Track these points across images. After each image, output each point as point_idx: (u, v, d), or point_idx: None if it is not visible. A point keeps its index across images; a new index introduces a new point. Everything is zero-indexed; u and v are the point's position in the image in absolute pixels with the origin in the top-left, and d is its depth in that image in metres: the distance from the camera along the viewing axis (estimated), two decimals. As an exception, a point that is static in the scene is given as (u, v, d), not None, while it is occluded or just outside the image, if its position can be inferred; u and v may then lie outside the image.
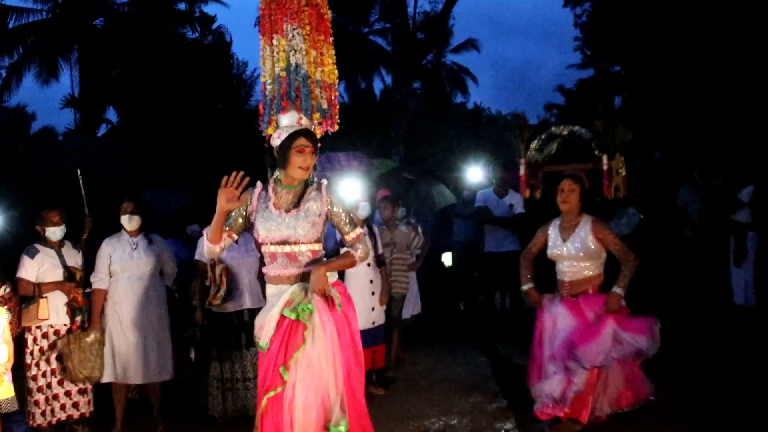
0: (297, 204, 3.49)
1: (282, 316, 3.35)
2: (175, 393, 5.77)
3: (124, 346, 5.19)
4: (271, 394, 3.27)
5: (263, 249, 3.54)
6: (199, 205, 8.66)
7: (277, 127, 3.58)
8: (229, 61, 23.21)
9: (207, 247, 3.55)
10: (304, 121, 3.54)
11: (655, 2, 15.93)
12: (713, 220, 7.76)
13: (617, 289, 4.58)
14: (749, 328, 6.87)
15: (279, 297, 3.42)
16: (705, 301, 7.48)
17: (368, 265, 6.09)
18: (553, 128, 7.15)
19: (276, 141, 3.49)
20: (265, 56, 3.59)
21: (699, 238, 8.09)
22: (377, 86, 26.38)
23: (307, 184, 3.56)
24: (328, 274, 3.43)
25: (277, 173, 3.56)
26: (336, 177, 7.23)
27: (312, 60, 3.54)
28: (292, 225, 3.43)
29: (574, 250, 4.72)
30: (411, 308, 7.67)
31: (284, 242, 3.45)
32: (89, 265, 5.35)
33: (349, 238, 3.57)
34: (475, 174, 9.57)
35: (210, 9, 22.96)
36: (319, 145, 3.56)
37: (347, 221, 3.56)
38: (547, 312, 4.81)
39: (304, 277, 3.45)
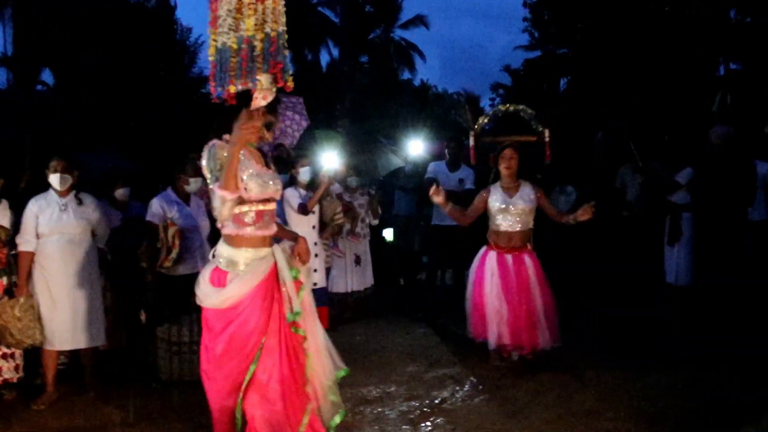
0: (266, 162, 3.52)
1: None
2: (123, 356, 5.71)
3: (53, 311, 4.99)
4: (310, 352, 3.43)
5: (245, 209, 3.34)
6: (137, 169, 8.48)
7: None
8: (172, 26, 22.66)
9: (222, 203, 3.23)
10: (267, 83, 3.37)
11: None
12: (651, 202, 7.94)
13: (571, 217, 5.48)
14: (685, 306, 7.07)
15: (261, 263, 3.39)
16: (640, 281, 7.69)
17: (313, 227, 6.07)
18: (500, 106, 7.45)
19: (261, 102, 3.31)
20: (257, 12, 3.25)
21: (636, 218, 8.29)
22: (324, 59, 26.14)
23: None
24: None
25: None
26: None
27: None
28: (277, 182, 3.47)
29: (523, 203, 5.59)
30: (364, 281, 7.69)
31: (270, 200, 3.42)
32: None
33: None
34: (416, 147, 9.50)
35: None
36: None
37: None
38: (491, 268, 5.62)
39: (271, 240, 3.51)
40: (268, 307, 3.35)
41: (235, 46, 3.22)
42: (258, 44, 3.23)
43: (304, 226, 6.12)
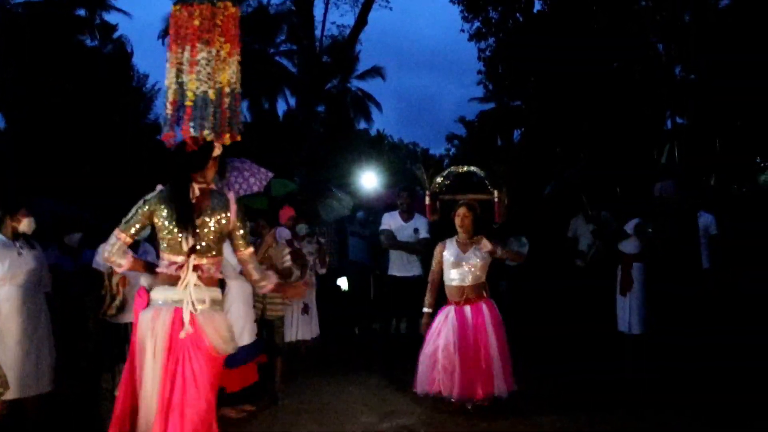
0: None
1: None
2: (63, 405, 5.49)
3: (7, 358, 4.83)
4: None
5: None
6: (89, 215, 8.33)
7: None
8: (129, 72, 22.60)
9: None
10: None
11: (556, 43, 16.62)
12: (603, 251, 8.07)
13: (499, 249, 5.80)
14: (639, 356, 7.16)
15: None
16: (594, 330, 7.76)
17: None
18: (453, 167, 7.73)
19: (217, 151, 3.55)
20: (231, 67, 3.51)
21: (588, 268, 8.41)
22: (281, 107, 26.29)
23: None
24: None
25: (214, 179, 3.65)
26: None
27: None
28: None
29: (476, 258, 5.80)
30: (312, 330, 7.57)
31: None
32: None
33: None
34: (369, 180, 9.54)
35: (111, 18, 22.31)
36: None
37: None
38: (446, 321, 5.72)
39: None
40: None
41: (213, 97, 3.41)
42: (227, 99, 3.46)
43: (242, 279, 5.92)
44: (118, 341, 5.14)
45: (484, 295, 5.85)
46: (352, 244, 9.15)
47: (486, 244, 5.67)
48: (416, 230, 7.70)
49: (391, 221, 7.82)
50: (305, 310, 7.41)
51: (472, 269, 5.80)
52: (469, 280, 5.79)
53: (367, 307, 9.39)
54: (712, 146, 12.45)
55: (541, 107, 18.08)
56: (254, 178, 7.44)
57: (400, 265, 7.75)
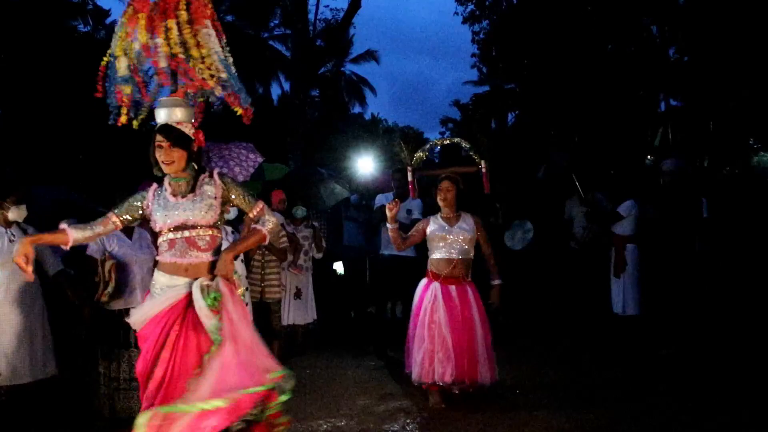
0: (192, 189, 3.57)
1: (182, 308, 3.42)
2: (60, 391, 5.52)
3: (2, 345, 4.87)
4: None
5: (160, 239, 3.56)
6: (86, 201, 8.33)
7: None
8: (121, 58, 22.44)
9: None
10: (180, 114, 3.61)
11: (550, 26, 16.59)
12: (597, 233, 8.12)
13: (497, 281, 5.68)
14: (634, 336, 7.22)
15: (170, 289, 3.46)
16: (587, 311, 7.82)
17: (242, 261, 6.03)
18: (436, 140, 7.74)
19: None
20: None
21: (583, 250, 8.46)
22: (275, 92, 26.18)
23: (198, 173, 3.61)
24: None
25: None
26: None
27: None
28: (189, 208, 3.50)
29: (462, 231, 5.62)
30: (305, 315, 7.62)
31: (183, 227, 3.50)
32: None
33: (253, 213, 3.61)
34: (365, 165, 9.54)
35: (104, 3, 22.18)
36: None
37: (246, 199, 3.63)
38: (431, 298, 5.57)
39: (202, 269, 3.49)
40: (163, 337, 3.41)
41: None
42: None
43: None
44: (112, 328, 5.14)
45: (469, 277, 5.70)
46: (347, 228, 9.18)
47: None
48: (409, 211, 7.71)
49: (385, 202, 7.82)
50: (298, 294, 7.45)
51: (461, 242, 5.62)
52: (458, 254, 5.61)
53: (363, 290, 9.42)
54: (706, 128, 12.49)
55: (535, 90, 18.08)
56: (239, 168, 7.41)
57: (392, 244, 7.73)
